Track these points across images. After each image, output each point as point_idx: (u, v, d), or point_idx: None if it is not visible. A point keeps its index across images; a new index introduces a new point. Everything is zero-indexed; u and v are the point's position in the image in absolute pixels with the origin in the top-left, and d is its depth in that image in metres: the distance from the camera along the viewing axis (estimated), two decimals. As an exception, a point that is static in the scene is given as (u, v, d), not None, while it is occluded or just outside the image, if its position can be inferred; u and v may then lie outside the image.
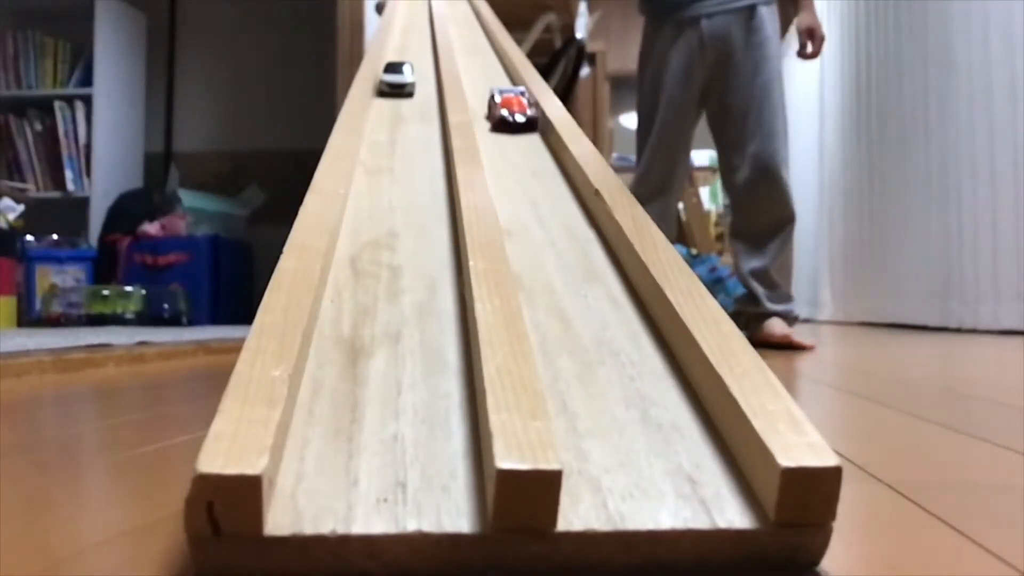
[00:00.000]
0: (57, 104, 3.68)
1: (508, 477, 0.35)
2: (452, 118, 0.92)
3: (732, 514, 0.37)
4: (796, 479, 0.36)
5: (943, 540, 0.42)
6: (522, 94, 1.05)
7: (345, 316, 0.53)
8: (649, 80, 2.22)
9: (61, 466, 0.60)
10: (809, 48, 2.26)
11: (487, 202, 0.66)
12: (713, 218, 5.41)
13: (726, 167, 2.17)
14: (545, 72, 3.27)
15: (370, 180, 0.78)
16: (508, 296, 0.50)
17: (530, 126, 1.00)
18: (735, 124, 2.12)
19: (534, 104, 1.03)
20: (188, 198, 3.59)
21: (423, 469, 0.39)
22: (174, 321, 3.20)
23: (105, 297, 3.21)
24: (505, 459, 0.35)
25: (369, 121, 0.98)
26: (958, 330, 3.11)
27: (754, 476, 0.39)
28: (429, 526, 0.36)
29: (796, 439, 0.38)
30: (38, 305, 3.24)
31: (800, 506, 0.36)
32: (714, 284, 3.56)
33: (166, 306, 3.23)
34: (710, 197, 5.68)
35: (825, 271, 4.97)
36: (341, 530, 0.35)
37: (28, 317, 3.19)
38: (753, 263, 2.13)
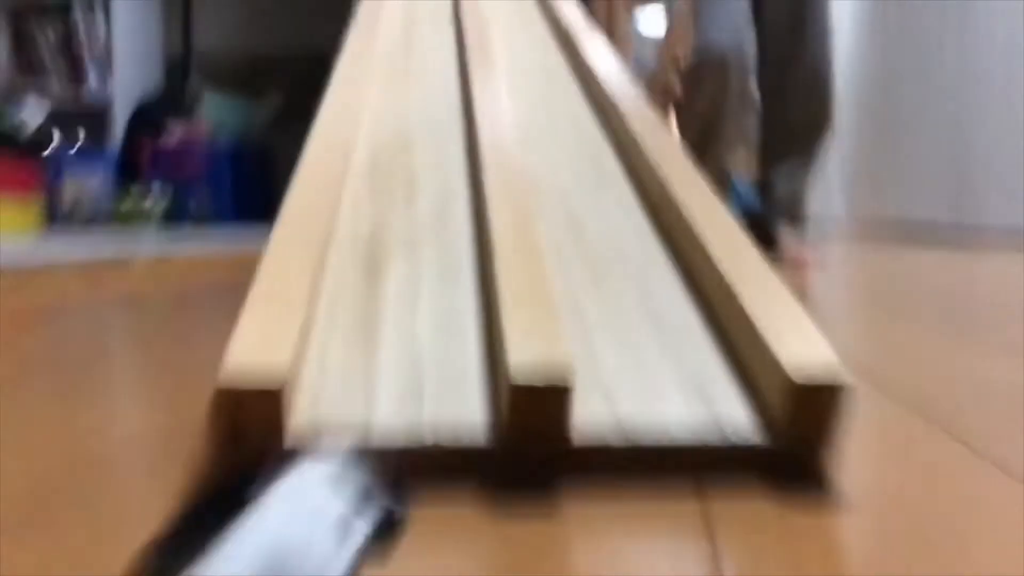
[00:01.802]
0: (76, 5, 3.62)
1: (521, 383, 0.36)
2: (467, 22, 0.90)
3: (740, 423, 0.38)
4: (805, 393, 0.36)
5: (949, 451, 0.43)
6: None
7: (363, 222, 0.54)
8: None
9: (89, 370, 0.62)
10: None
11: (501, 108, 0.66)
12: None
13: (766, 61, 1.91)
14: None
15: (386, 83, 0.77)
16: (521, 204, 0.51)
17: None
18: (788, 19, 1.88)
19: None
20: (210, 100, 3.57)
21: (440, 374, 0.41)
22: (197, 221, 3.23)
23: (130, 199, 3.23)
24: (519, 365, 0.36)
25: (384, 23, 0.96)
26: (972, 228, 3.09)
27: (764, 387, 0.40)
28: (446, 430, 0.37)
29: (805, 350, 0.38)
30: (65, 207, 3.27)
31: (809, 419, 0.37)
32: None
33: (190, 207, 3.25)
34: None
35: (836, 168, 4.88)
36: (360, 436, 0.36)
37: (56, 219, 3.22)
38: (780, 169, 1.95)
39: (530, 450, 0.37)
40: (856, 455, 0.42)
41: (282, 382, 0.34)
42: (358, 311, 0.45)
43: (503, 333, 0.39)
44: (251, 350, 0.36)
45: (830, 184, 4.85)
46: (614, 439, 0.37)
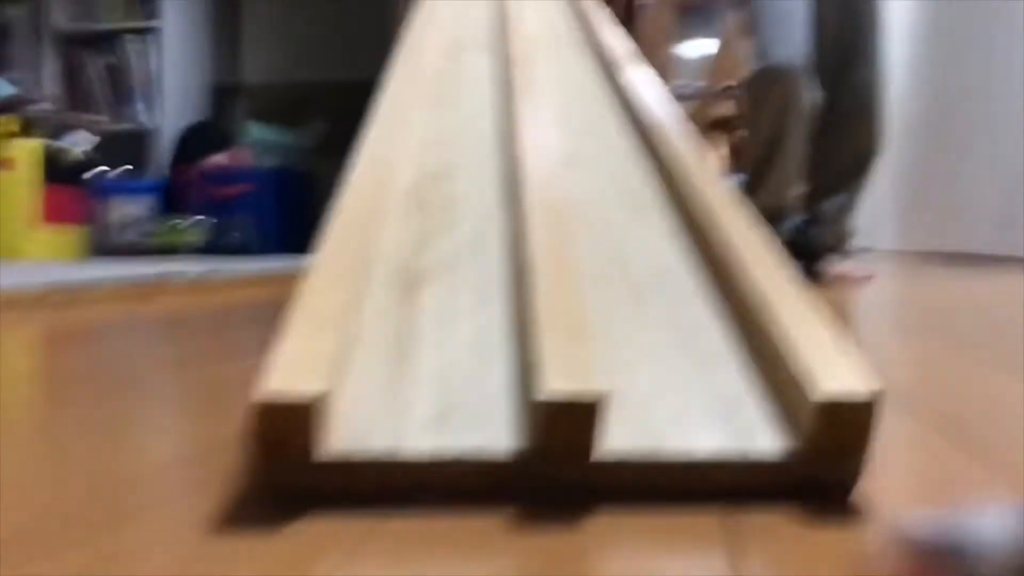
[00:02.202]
0: (126, 37, 3.74)
1: (553, 403, 0.36)
2: (512, 49, 0.91)
3: (769, 442, 0.38)
4: (833, 409, 0.36)
5: (978, 471, 0.42)
6: None
7: (404, 245, 0.55)
8: None
9: (129, 390, 0.63)
10: None
11: (544, 135, 0.67)
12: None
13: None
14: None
15: (429, 111, 0.78)
16: (560, 228, 0.51)
17: None
18: (839, 40, 1.84)
19: None
20: (254, 129, 3.64)
21: (472, 394, 0.41)
22: (241, 250, 3.28)
23: (174, 227, 3.30)
24: (551, 384, 0.36)
25: (428, 51, 0.98)
26: (1022, 260, 3.02)
27: (793, 405, 0.39)
28: (477, 448, 0.37)
29: (836, 370, 0.38)
30: (111, 235, 3.35)
31: (836, 436, 0.37)
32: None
33: (234, 236, 3.31)
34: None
35: (887, 199, 4.83)
36: (393, 453, 0.37)
37: (101, 246, 3.30)
38: (831, 202, 1.93)
39: (559, 467, 0.37)
40: (883, 473, 0.41)
41: (317, 398, 0.35)
42: (394, 332, 0.46)
43: (536, 353, 0.39)
44: (288, 367, 0.37)
45: (880, 217, 4.81)
46: (642, 457, 0.37)
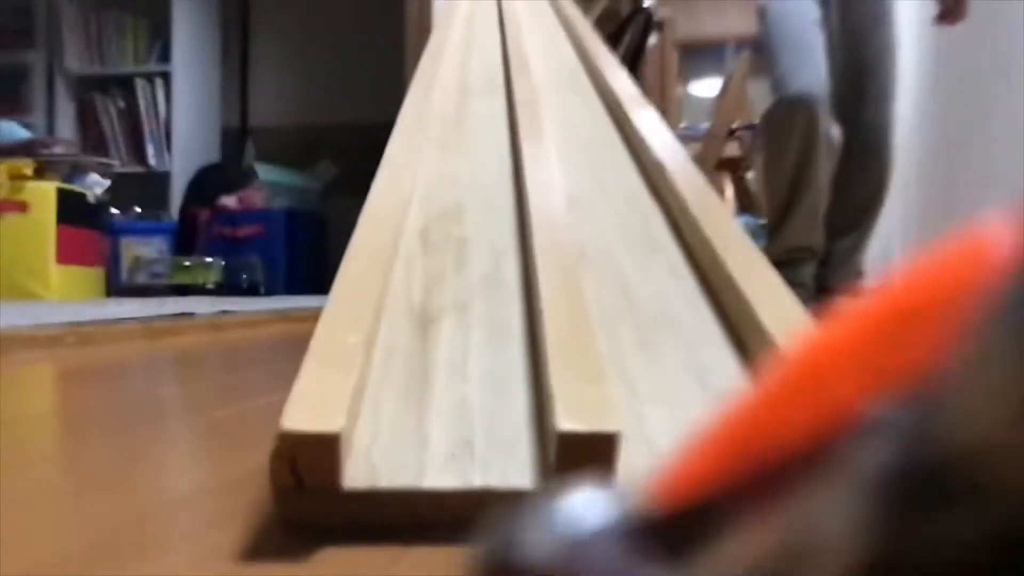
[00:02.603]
0: (138, 81, 3.80)
1: (568, 438, 0.37)
2: (518, 92, 0.93)
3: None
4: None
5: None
6: None
7: (416, 286, 0.56)
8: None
9: (148, 426, 0.64)
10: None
11: (551, 176, 0.68)
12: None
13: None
14: (612, 41, 3.24)
15: (439, 154, 0.80)
16: (569, 268, 0.52)
17: None
18: (848, 78, 1.82)
19: None
20: (264, 171, 3.69)
21: (489, 429, 0.42)
22: (252, 291, 3.31)
23: (187, 268, 3.33)
24: (565, 422, 0.37)
25: (437, 95, 1.00)
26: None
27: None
28: (495, 482, 0.38)
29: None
30: (124, 276, 3.38)
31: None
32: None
33: (244, 276, 3.34)
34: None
35: (898, 234, 4.84)
36: (413, 485, 0.38)
37: (115, 287, 3.33)
38: (842, 242, 1.89)
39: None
40: None
41: (338, 434, 0.36)
42: (410, 369, 0.47)
43: (551, 387, 0.40)
44: (311, 402, 0.38)
45: (890, 252, 4.81)
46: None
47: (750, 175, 4.52)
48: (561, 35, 1.40)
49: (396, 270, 0.58)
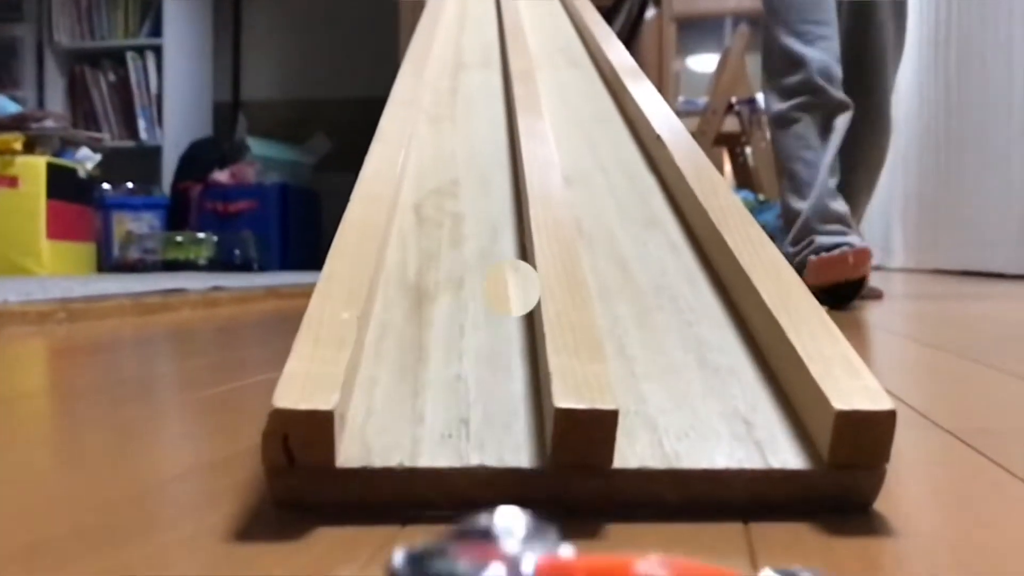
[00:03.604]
0: (129, 55, 3.76)
1: (566, 416, 0.36)
2: (514, 65, 0.92)
3: (786, 455, 0.38)
4: (850, 421, 0.36)
5: (1000, 485, 0.42)
6: None
7: (410, 262, 0.55)
8: None
9: (141, 403, 0.63)
10: None
11: (547, 151, 0.67)
12: (782, 163, 5.27)
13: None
14: (609, 15, 3.21)
15: (433, 128, 0.79)
16: (567, 243, 0.51)
17: None
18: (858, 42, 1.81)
19: None
20: (256, 146, 3.66)
21: (485, 407, 0.41)
22: (245, 267, 3.29)
23: (179, 243, 3.31)
24: (563, 399, 0.36)
25: (431, 68, 0.98)
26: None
27: (809, 419, 0.39)
28: (491, 460, 0.37)
29: (851, 383, 0.38)
30: (116, 251, 3.36)
31: (854, 448, 0.37)
32: (781, 231, 3.49)
33: (237, 252, 3.32)
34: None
35: (897, 218, 4.83)
36: (408, 463, 0.37)
37: (106, 263, 3.31)
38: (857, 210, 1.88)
39: (579, 480, 0.37)
40: (902, 482, 0.41)
41: (331, 409, 0.35)
42: (405, 346, 0.46)
43: (548, 364, 0.39)
44: (304, 379, 0.37)
45: (893, 235, 4.80)
46: (658, 465, 0.37)
47: (748, 150, 4.51)
48: (558, 8, 1.38)
49: (390, 246, 0.57)
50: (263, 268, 3.35)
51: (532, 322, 0.49)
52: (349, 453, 0.37)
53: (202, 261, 3.27)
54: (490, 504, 0.38)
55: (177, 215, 3.53)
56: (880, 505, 0.38)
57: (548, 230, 0.53)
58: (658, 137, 0.71)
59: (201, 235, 3.32)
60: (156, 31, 3.78)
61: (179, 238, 3.31)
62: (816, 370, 0.39)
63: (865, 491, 0.38)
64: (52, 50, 3.81)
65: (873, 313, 1.56)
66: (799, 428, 0.40)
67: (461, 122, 0.83)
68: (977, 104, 3.66)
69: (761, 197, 4.22)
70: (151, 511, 0.38)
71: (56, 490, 0.41)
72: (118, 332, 1.25)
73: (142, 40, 3.79)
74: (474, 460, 0.37)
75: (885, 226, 4.96)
